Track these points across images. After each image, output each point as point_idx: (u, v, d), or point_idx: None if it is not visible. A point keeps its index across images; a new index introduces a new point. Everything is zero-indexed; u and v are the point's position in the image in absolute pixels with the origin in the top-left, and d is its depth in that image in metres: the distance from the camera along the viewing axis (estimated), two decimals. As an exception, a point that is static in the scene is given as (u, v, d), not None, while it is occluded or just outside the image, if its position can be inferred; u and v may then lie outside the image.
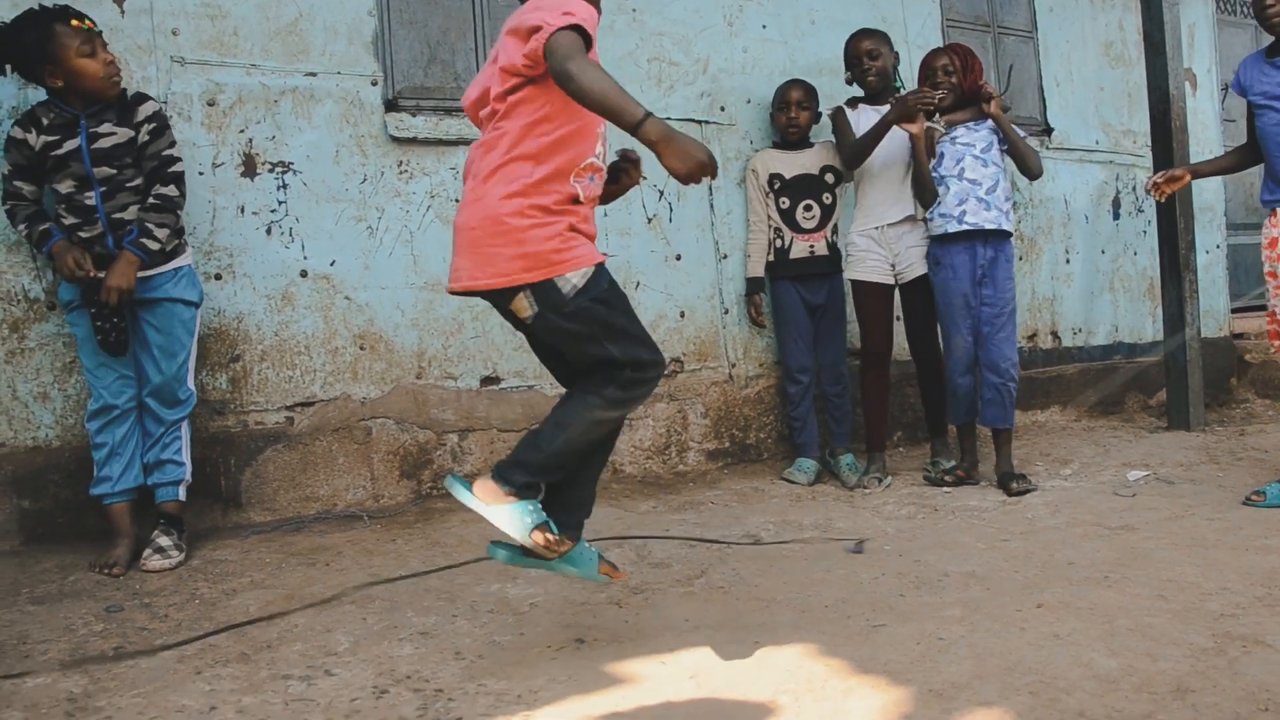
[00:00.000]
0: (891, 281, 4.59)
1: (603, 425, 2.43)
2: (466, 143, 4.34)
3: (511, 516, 2.35)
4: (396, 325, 4.24)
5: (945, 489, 4.33)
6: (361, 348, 4.17)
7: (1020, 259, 5.88)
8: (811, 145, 4.82)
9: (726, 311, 4.95)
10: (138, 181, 3.43)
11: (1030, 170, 4.41)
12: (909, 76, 5.05)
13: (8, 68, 3.36)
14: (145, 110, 3.46)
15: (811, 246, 4.74)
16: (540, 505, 2.41)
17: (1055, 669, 2.31)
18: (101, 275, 3.27)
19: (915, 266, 4.51)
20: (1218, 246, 6.90)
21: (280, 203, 4.04)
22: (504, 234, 2.28)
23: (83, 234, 3.35)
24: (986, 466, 4.46)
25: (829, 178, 4.79)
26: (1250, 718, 2.03)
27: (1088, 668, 2.31)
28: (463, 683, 2.39)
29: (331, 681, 2.42)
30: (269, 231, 4.02)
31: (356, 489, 4.15)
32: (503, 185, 2.30)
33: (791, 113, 4.73)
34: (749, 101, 5.04)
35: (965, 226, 4.26)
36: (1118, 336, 6.38)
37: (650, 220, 4.76)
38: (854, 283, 4.66)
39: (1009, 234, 4.36)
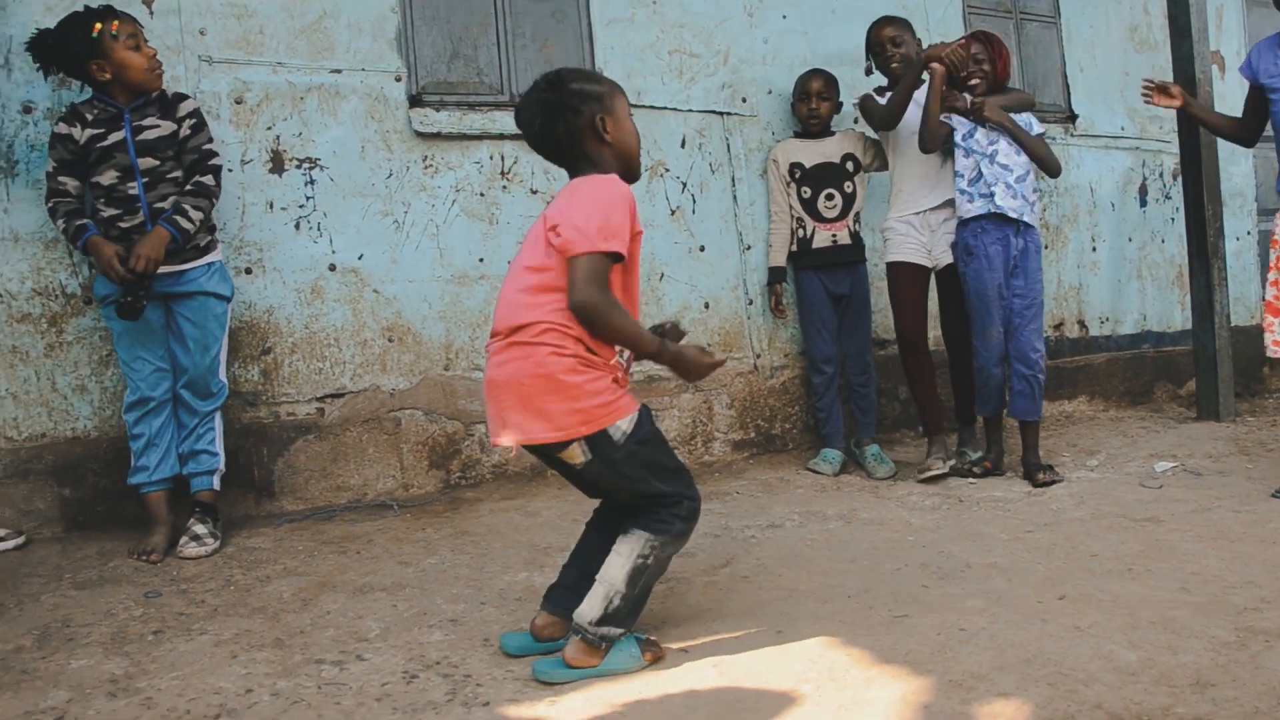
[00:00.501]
0: (928, 264, 4.53)
1: (671, 559, 2.51)
2: (490, 137, 4.39)
3: (623, 661, 2.40)
4: (424, 317, 4.29)
5: (971, 480, 4.33)
6: (390, 340, 4.23)
7: (1046, 248, 5.86)
8: (833, 134, 4.83)
9: (751, 302, 4.97)
10: (177, 174, 3.54)
11: (1048, 169, 4.39)
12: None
13: (48, 70, 3.50)
14: (186, 107, 3.59)
15: (834, 236, 4.75)
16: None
17: (1075, 661, 2.33)
18: (138, 291, 3.35)
19: (951, 253, 4.49)
20: (1248, 233, 6.84)
21: (308, 198, 4.09)
22: (558, 390, 2.32)
23: (123, 224, 3.44)
24: (1011, 459, 4.47)
25: (850, 166, 4.79)
26: (1270, 712, 2.04)
27: (1107, 660, 2.32)
28: (491, 669, 2.44)
29: (363, 666, 2.48)
30: (297, 226, 4.08)
31: (386, 478, 4.21)
32: (554, 346, 2.33)
33: (812, 103, 4.74)
34: (770, 92, 5.05)
35: (994, 209, 4.21)
36: (1146, 325, 6.35)
37: (674, 212, 4.78)
38: (890, 266, 4.61)
39: (1035, 225, 4.33)
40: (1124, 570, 3.00)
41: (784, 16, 5.11)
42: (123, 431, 3.65)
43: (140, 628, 2.79)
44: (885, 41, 4.56)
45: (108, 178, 3.45)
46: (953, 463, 4.46)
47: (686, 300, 4.81)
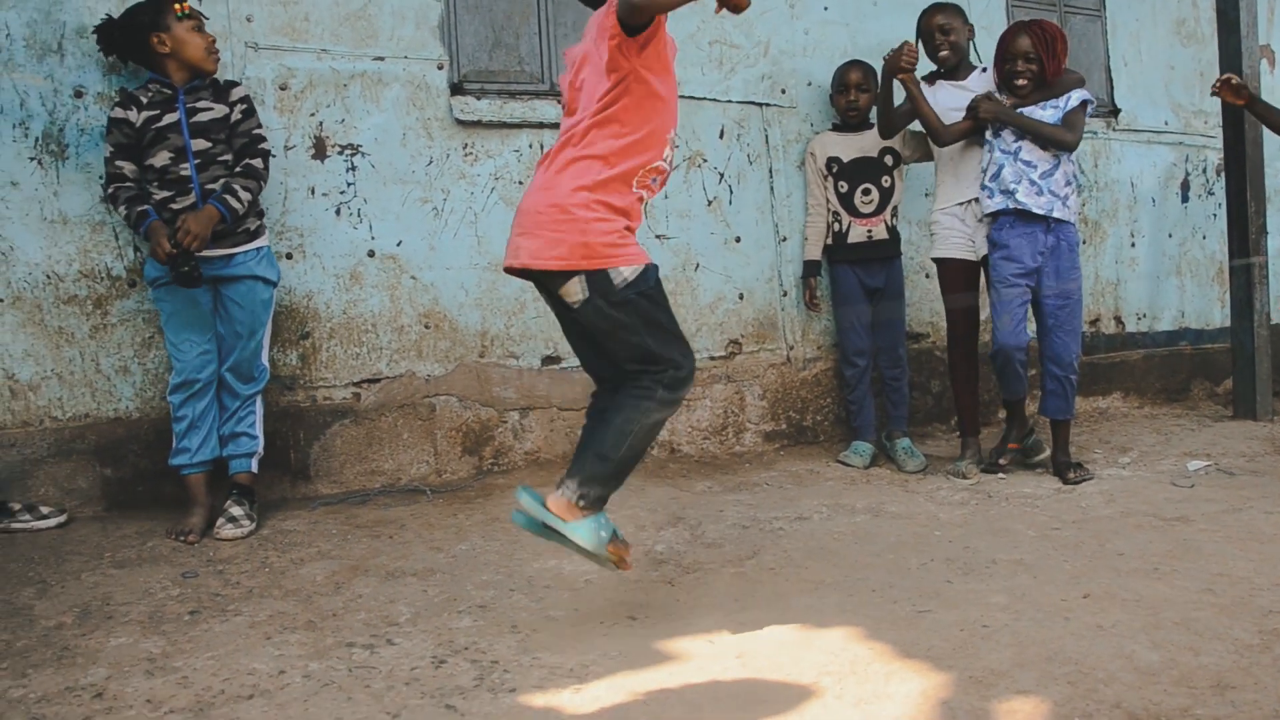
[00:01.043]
0: (975, 258, 4.49)
1: (659, 426, 2.56)
2: (530, 126, 4.43)
3: (588, 532, 2.49)
4: (460, 305, 4.35)
5: (1001, 475, 4.33)
6: (426, 326, 4.29)
7: (1084, 243, 5.83)
8: (871, 127, 4.79)
9: (785, 294, 4.99)
10: (228, 157, 3.63)
11: (1059, 146, 4.15)
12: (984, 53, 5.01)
13: (109, 49, 3.65)
14: (238, 92, 3.70)
15: (869, 231, 4.74)
16: (607, 520, 2.55)
17: (1096, 660, 2.35)
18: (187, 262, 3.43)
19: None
20: (1291, 230, 6.77)
21: (349, 184, 4.15)
22: (570, 222, 2.44)
23: (175, 205, 3.52)
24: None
25: (889, 160, 4.77)
26: (1289, 714, 2.06)
27: (1128, 659, 2.34)
28: (518, 655, 2.50)
29: (393, 650, 2.54)
30: (338, 212, 4.14)
31: (420, 464, 4.27)
32: (573, 179, 2.46)
33: (851, 95, 4.72)
34: (810, 84, 5.05)
35: (1015, 205, 4.14)
36: (1184, 322, 6.30)
37: (710, 203, 4.80)
38: (937, 261, 4.60)
39: (1069, 221, 4.22)
40: (1150, 570, 3.00)
41: (825, 8, 5.11)
42: (164, 412, 3.73)
43: (177, 607, 2.87)
44: (934, 30, 4.50)
45: (161, 159, 3.53)
46: (984, 467, 4.47)
47: (721, 291, 4.83)
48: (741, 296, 4.90)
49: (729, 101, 4.86)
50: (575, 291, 2.47)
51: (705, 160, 4.81)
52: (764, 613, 2.75)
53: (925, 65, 4.63)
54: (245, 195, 3.56)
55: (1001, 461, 4.39)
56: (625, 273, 2.46)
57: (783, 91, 4.98)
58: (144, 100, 3.56)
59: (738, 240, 4.88)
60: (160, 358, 3.83)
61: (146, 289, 3.73)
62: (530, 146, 4.45)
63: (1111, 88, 6.01)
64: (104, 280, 3.80)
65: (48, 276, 3.72)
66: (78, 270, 3.76)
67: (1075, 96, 4.15)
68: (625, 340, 2.51)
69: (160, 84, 3.58)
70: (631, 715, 2.16)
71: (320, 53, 4.10)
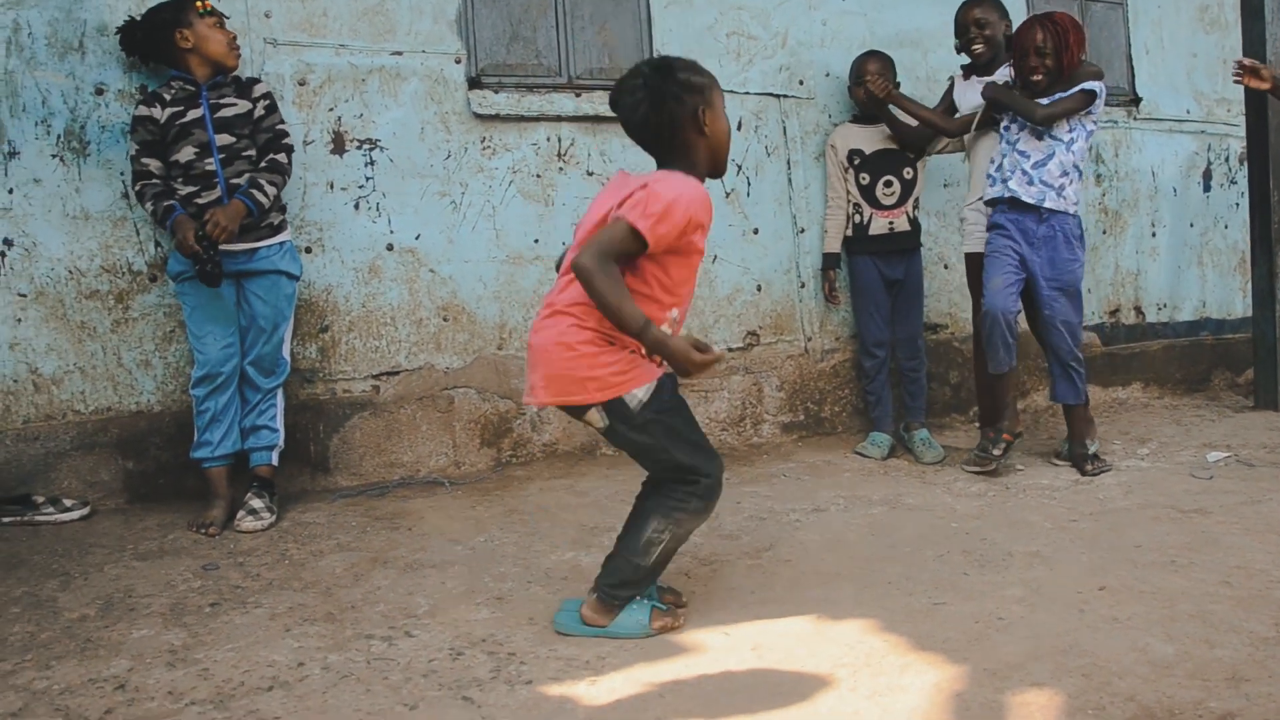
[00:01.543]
0: None
1: (691, 532, 2.63)
2: (548, 119, 4.44)
3: (630, 623, 2.58)
4: (479, 297, 4.37)
5: (1019, 467, 4.31)
6: (445, 319, 4.31)
7: (1104, 233, 5.81)
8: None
9: (803, 285, 4.99)
10: (251, 152, 3.67)
11: (1026, 116, 4.10)
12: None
13: (131, 47, 3.70)
14: (260, 89, 3.75)
15: (891, 223, 4.74)
16: (641, 597, 2.64)
17: (1110, 652, 2.35)
18: (210, 255, 3.46)
19: None
20: (1314, 219, 6.71)
21: (368, 179, 4.18)
22: (577, 359, 2.47)
23: (200, 200, 3.56)
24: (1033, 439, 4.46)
25: (910, 153, 4.77)
26: (1303, 707, 2.06)
27: (1143, 652, 2.34)
28: (535, 647, 2.52)
29: (411, 642, 2.57)
30: (357, 206, 4.16)
31: (439, 456, 4.30)
32: (578, 318, 2.47)
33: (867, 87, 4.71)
34: (828, 75, 5.04)
35: (1008, 193, 4.16)
36: (1205, 312, 6.26)
37: (728, 195, 4.80)
38: (967, 256, 4.60)
39: (1065, 212, 4.17)
40: (1167, 562, 3.00)
41: (843, -1, 5.10)
42: (185, 405, 3.78)
43: (198, 600, 2.91)
44: (971, 23, 4.48)
45: (185, 154, 3.56)
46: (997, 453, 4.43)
47: (739, 282, 4.84)
48: (759, 288, 4.90)
49: (746, 93, 4.85)
50: (596, 420, 2.53)
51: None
52: (780, 605, 2.76)
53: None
54: (271, 190, 3.60)
55: (995, 453, 4.22)
56: (639, 394, 2.48)
57: (800, 83, 4.97)
58: (167, 97, 3.59)
59: (756, 232, 4.88)
60: (181, 351, 3.87)
61: (168, 283, 3.78)
62: (548, 140, 4.47)
63: (1133, 76, 5.96)
64: (125, 275, 3.84)
65: (70, 272, 3.76)
66: (99, 265, 3.80)
67: (1081, 86, 4.11)
68: (651, 457, 2.58)
69: (184, 81, 3.62)
70: (647, 707, 2.18)
71: (338, 48, 4.13)
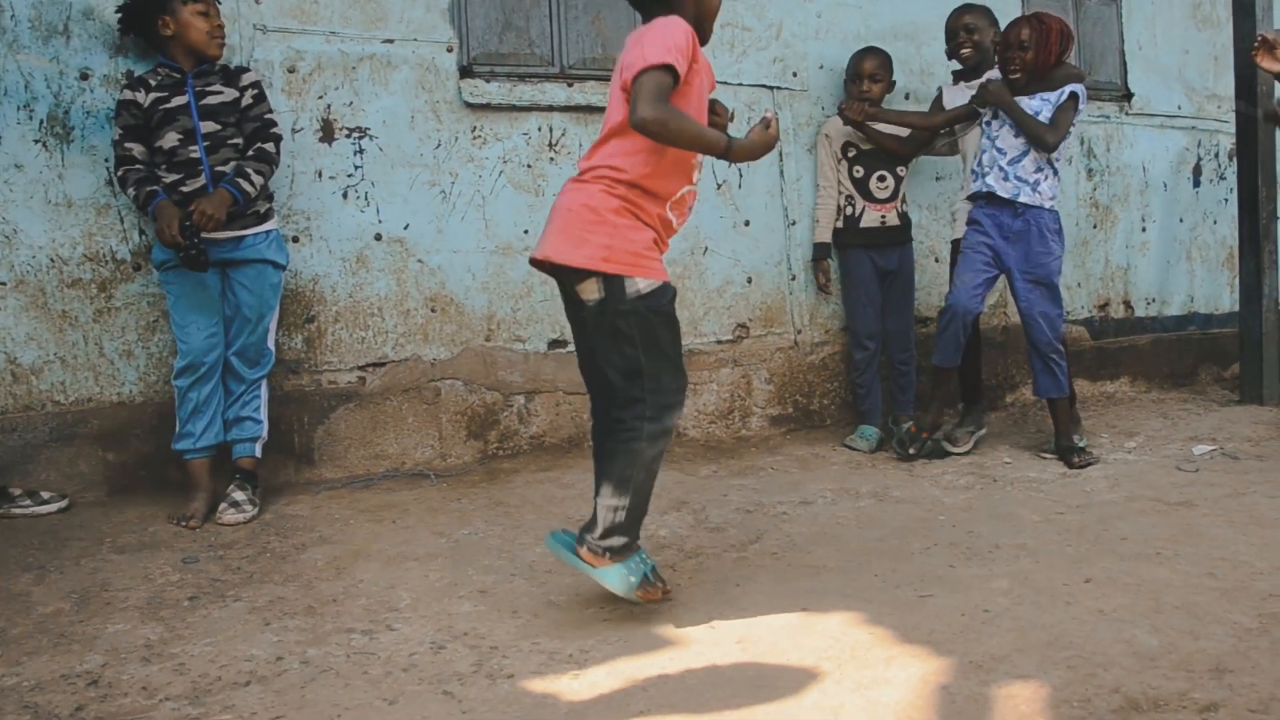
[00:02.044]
0: None
1: (659, 457, 2.57)
2: (540, 109, 4.42)
3: (617, 578, 2.53)
4: (467, 288, 4.35)
5: (1006, 460, 4.32)
6: (433, 310, 4.29)
7: (1095, 227, 5.82)
8: (886, 113, 4.83)
9: (794, 278, 4.98)
10: (238, 140, 3.64)
11: (1040, 144, 4.20)
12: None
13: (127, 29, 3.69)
14: (248, 78, 3.71)
15: (883, 217, 4.76)
16: (641, 557, 2.59)
17: (1096, 644, 2.35)
18: (194, 242, 3.44)
19: None
20: (1303, 215, 6.72)
21: (356, 167, 4.15)
22: (599, 224, 2.48)
23: (185, 188, 3.52)
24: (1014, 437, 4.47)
25: (901, 160, 4.81)
26: (1287, 699, 2.06)
27: (1128, 644, 2.34)
28: (517, 640, 2.50)
29: (392, 636, 2.55)
30: (345, 195, 4.14)
31: (424, 448, 4.28)
32: (608, 184, 2.50)
33: (864, 85, 4.69)
34: (821, 67, 5.02)
35: (985, 188, 4.29)
36: (1193, 307, 6.27)
37: (720, 186, 4.79)
38: (954, 244, 4.68)
39: (1040, 206, 4.26)
40: (1152, 554, 3.00)
41: (836, -10, 5.09)
42: (167, 396, 3.74)
43: (177, 593, 2.88)
44: (960, 29, 4.63)
45: (169, 141, 3.53)
46: (980, 433, 4.61)
47: (729, 274, 4.83)
48: (750, 280, 4.89)
49: (740, 84, 4.83)
50: (591, 291, 2.51)
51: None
52: (766, 598, 2.75)
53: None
54: (258, 179, 3.57)
55: (911, 451, 4.35)
56: (640, 284, 2.48)
57: (794, 74, 4.95)
58: (152, 83, 3.57)
59: (747, 224, 4.87)
60: (164, 341, 3.84)
61: (152, 272, 3.75)
62: (539, 130, 4.45)
63: (1125, 72, 5.96)
64: (108, 263, 3.81)
65: (52, 260, 3.73)
66: (82, 253, 3.77)
67: (1068, 91, 4.21)
68: (620, 350, 2.53)
69: (169, 68, 3.59)
70: (631, 701, 2.16)
71: (329, 35, 4.10)
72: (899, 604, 2.68)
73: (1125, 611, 2.55)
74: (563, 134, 4.48)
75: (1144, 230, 6.04)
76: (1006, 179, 4.26)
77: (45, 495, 3.64)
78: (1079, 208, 5.75)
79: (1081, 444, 4.33)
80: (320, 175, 4.10)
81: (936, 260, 5.24)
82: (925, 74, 5.19)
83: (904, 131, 4.71)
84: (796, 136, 4.96)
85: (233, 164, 3.58)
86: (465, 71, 4.34)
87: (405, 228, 4.24)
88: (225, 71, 3.68)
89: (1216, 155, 6.31)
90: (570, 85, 4.48)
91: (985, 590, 2.74)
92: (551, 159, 4.48)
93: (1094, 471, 4.07)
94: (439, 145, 4.29)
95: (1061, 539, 3.19)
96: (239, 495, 3.59)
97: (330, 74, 4.10)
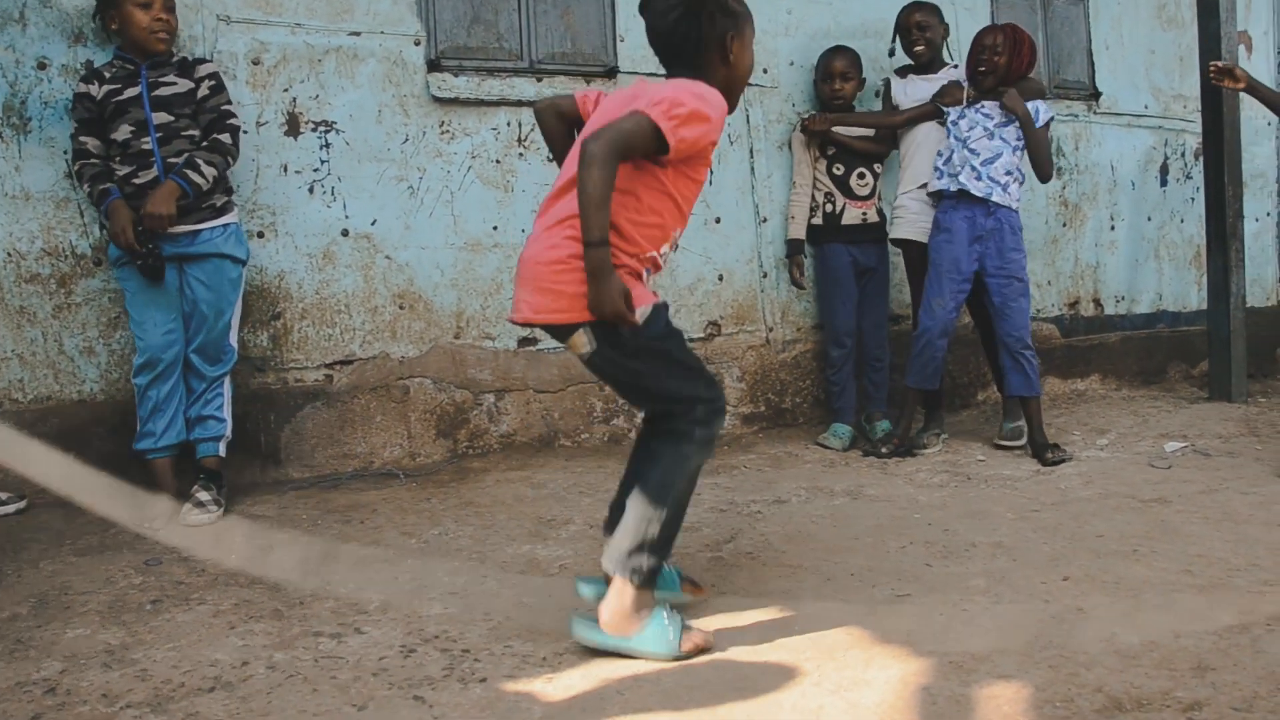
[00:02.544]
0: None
1: (698, 471, 2.39)
2: (509, 104, 4.37)
3: (655, 638, 2.31)
4: (436, 285, 4.29)
5: (980, 458, 4.32)
6: (401, 307, 4.22)
7: (1064, 225, 5.84)
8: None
9: (765, 275, 4.95)
10: (194, 132, 3.55)
11: (1038, 170, 4.42)
12: (958, 46, 5.03)
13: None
14: (205, 69, 3.63)
15: (864, 214, 4.76)
16: (672, 608, 2.38)
17: (1077, 643, 2.32)
18: (148, 247, 3.36)
19: None
20: (1268, 214, 6.78)
21: (323, 162, 4.08)
22: (564, 274, 2.27)
23: (137, 180, 3.45)
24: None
25: (873, 159, 4.82)
26: (1269, 697, 2.03)
27: (1109, 642, 2.32)
28: (489, 643, 2.44)
29: (361, 640, 2.48)
30: (311, 190, 4.07)
31: (393, 447, 4.22)
32: (574, 229, 2.25)
33: (835, 84, 4.71)
34: (792, 63, 5.00)
35: (957, 186, 4.33)
36: (1161, 305, 6.30)
37: (689, 183, 4.74)
38: (905, 243, 4.72)
39: (1009, 206, 4.35)
40: (1129, 551, 2.99)
41: (806, -13, 5.06)
42: (129, 395, 3.65)
43: (139, 596, 2.80)
44: (912, 27, 4.72)
45: (122, 133, 3.46)
46: (945, 435, 4.64)
47: (700, 272, 4.79)
48: (721, 278, 4.85)
49: (708, 80, 4.78)
50: (583, 344, 2.31)
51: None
52: (741, 598, 2.71)
53: (897, 59, 4.86)
54: (209, 170, 3.48)
55: (884, 451, 4.41)
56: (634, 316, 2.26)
57: (764, 71, 4.92)
58: (107, 75, 3.50)
59: (718, 221, 4.83)
60: (126, 338, 3.75)
61: (111, 267, 3.66)
62: (508, 125, 4.39)
63: (1093, 71, 5.97)
64: (68, 258, 3.72)
65: (9, 254, 3.63)
66: (40, 248, 3.68)
67: (1043, 112, 4.38)
68: (644, 386, 2.37)
69: (124, 60, 3.52)
70: (606, 705, 2.11)
71: (294, 27, 4.02)
72: (876, 603, 2.64)
73: (1105, 610, 2.52)
74: (532, 129, 4.42)
75: (1113, 229, 6.06)
76: (980, 178, 4.31)
77: (3, 496, 3.56)
78: (1048, 206, 5.76)
79: (1021, 441, 4.45)
80: (285, 169, 4.02)
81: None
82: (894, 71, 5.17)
83: (870, 131, 4.76)
84: (767, 133, 4.93)
85: (185, 155, 3.50)
86: (433, 65, 4.28)
87: (373, 223, 4.17)
88: (183, 63, 3.60)
89: (1183, 155, 6.34)
90: (540, 80, 4.43)
91: (963, 589, 2.72)
92: (521, 155, 4.42)
93: (1067, 469, 4.07)
94: (407, 140, 4.22)
95: (1038, 537, 3.17)
96: (204, 496, 3.50)
97: (296, 66, 4.03)
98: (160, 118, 3.48)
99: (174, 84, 3.53)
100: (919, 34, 4.69)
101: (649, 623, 2.31)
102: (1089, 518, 3.37)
